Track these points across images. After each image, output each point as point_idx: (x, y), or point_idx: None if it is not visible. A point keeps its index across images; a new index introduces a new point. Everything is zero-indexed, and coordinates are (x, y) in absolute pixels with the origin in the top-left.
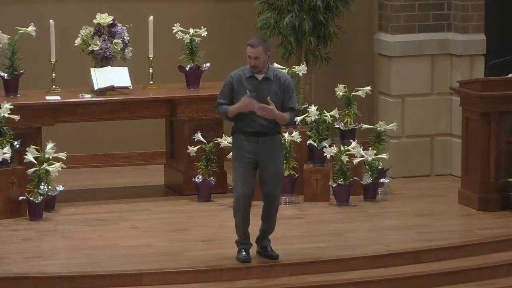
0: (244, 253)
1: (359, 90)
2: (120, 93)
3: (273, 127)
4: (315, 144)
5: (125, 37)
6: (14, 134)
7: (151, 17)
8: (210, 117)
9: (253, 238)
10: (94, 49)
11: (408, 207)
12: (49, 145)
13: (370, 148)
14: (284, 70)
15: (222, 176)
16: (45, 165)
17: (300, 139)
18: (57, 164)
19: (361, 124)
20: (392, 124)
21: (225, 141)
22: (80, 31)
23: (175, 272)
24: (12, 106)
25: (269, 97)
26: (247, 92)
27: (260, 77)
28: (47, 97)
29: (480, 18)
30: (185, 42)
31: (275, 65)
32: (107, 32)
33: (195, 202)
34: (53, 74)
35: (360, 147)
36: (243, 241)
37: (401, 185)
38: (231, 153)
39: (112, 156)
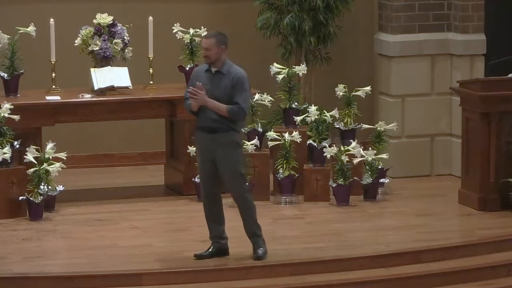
0: (206, 250)
1: (359, 90)
2: (120, 93)
3: (226, 122)
4: (315, 144)
5: (125, 37)
6: (14, 134)
7: (151, 17)
8: None
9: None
10: (94, 49)
11: (408, 207)
12: (49, 145)
13: (370, 148)
14: (284, 70)
15: None
16: (45, 165)
17: (300, 139)
18: (57, 164)
19: (361, 124)
20: (392, 124)
21: None
22: (80, 31)
23: (175, 272)
24: (12, 106)
25: (197, 82)
26: (199, 84)
27: (214, 70)
28: (47, 97)
29: (480, 18)
30: (185, 42)
31: (275, 65)
32: (107, 32)
33: (195, 202)
34: (53, 74)
35: (360, 147)
36: (211, 239)
37: (401, 185)
38: None
39: (112, 156)
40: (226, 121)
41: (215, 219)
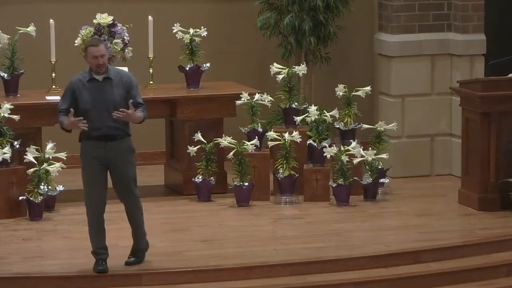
0: (101, 263)
1: (359, 90)
2: None
3: (123, 128)
4: (315, 144)
5: (125, 37)
6: (14, 134)
7: (151, 17)
8: (210, 117)
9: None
10: None
11: (408, 207)
12: (49, 145)
13: (370, 148)
14: (284, 70)
15: (222, 176)
16: (45, 165)
17: (300, 139)
18: (57, 164)
19: (361, 124)
20: (392, 124)
21: (225, 141)
22: (80, 31)
23: (175, 272)
24: (12, 106)
25: (130, 101)
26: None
27: (100, 77)
28: (47, 97)
29: (480, 18)
30: (185, 42)
31: (275, 65)
32: (107, 32)
33: (195, 202)
34: (53, 74)
35: (360, 147)
36: (97, 251)
37: (401, 185)
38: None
39: None
40: (123, 127)
41: (101, 230)
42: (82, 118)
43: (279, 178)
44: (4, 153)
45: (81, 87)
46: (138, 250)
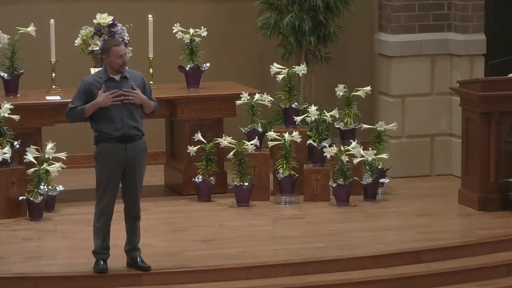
0: (101, 263)
1: (359, 90)
2: None
3: (140, 128)
4: (315, 144)
5: (125, 37)
6: (14, 134)
7: (151, 17)
8: (210, 117)
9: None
10: (94, 49)
11: (408, 207)
12: (49, 145)
13: (370, 148)
14: (284, 70)
15: (222, 176)
16: (45, 165)
17: (300, 139)
18: (57, 164)
19: (361, 124)
20: (392, 124)
21: (225, 141)
22: (80, 31)
23: (175, 272)
24: (12, 106)
25: (133, 83)
26: (103, 87)
27: (117, 77)
28: (47, 97)
29: (480, 18)
30: (185, 42)
31: (275, 65)
32: (107, 32)
33: (195, 202)
34: (53, 74)
35: (360, 147)
36: (99, 251)
37: (401, 185)
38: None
39: None
40: (141, 126)
41: (108, 231)
42: (117, 90)
43: (279, 178)
44: (4, 153)
45: (98, 87)
46: (132, 254)
